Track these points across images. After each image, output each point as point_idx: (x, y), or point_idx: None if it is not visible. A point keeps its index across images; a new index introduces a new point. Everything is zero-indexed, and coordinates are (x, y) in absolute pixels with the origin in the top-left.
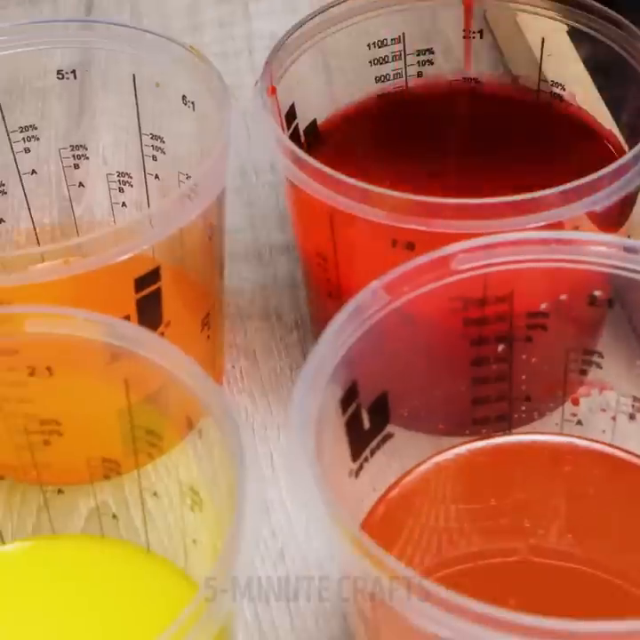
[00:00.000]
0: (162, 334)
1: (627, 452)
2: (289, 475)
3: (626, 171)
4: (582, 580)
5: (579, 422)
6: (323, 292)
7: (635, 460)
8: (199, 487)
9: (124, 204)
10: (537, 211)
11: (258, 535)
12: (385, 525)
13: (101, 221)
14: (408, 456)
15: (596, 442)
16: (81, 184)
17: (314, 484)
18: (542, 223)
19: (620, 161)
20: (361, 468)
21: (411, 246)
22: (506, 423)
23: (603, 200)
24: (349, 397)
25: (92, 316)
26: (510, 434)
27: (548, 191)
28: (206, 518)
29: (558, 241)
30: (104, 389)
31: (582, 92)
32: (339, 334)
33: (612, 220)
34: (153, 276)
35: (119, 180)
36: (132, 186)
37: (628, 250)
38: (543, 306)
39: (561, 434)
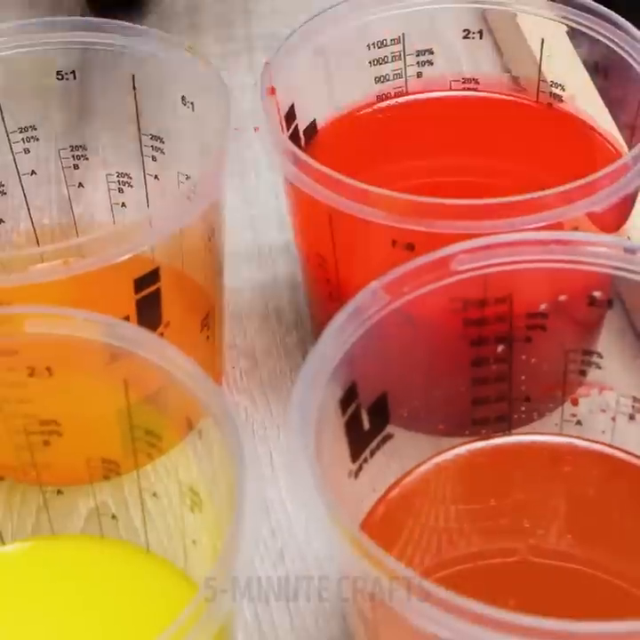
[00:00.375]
0: (161, 335)
1: (626, 452)
2: (289, 475)
3: (625, 171)
4: (582, 581)
5: (578, 422)
6: (323, 292)
7: (634, 460)
8: (199, 487)
9: (123, 205)
10: (537, 211)
11: (258, 535)
12: (385, 526)
13: (101, 222)
14: (408, 456)
15: (596, 442)
16: (80, 184)
17: (313, 485)
18: (542, 224)
19: (620, 161)
20: (360, 468)
21: (410, 247)
22: (505, 424)
23: (603, 200)
24: (349, 398)
25: (91, 317)
26: (510, 434)
27: (547, 192)
28: (206, 519)
29: (558, 242)
30: (104, 390)
31: (582, 91)
32: (338, 334)
33: (612, 220)
34: (152, 276)
35: (119, 181)
36: (131, 186)
37: (627, 250)
38: (543, 306)
39: (560, 434)
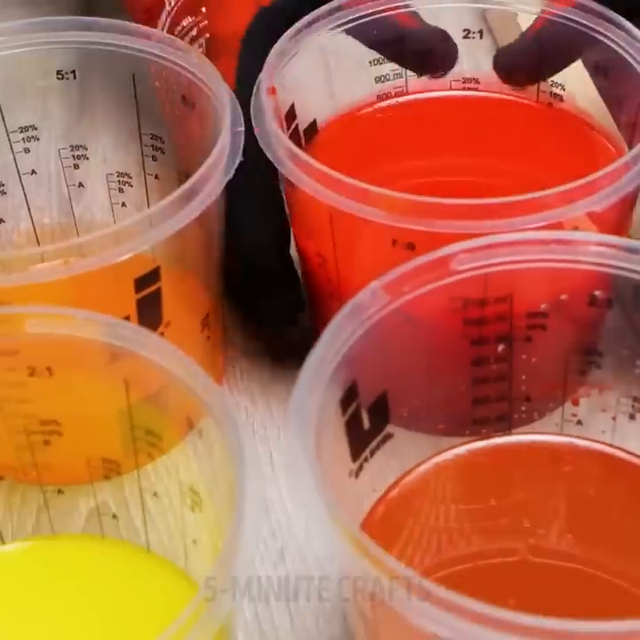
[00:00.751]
0: (162, 334)
1: (627, 452)
2: (289, 475)
3: (626, 171)
4: (582, 580)
5: (579, 422)
6: (323, 291)
7: (635, 460)
8: (199, 487)
9: (123, 204)
10: (537, 211)
11: (258, 534)
12: (385, 525)
13: (101, 221)
14: (408, 456)
15: (596, 442)
16: (81, 184)
17: (314, 485)
18: (542, 223)
19: (620, 161)
20: (361, 468)
21: (411, 246)
22: (506, 423)
23: (603, 200)
24: (349, 397)
25: (92, 316)
26: (510, 434)
27: (547, 192)
28: (206, 518)
29: (558, 241)
30: (104, 389)
31: (582, 91)
32: (338, 334)
33: (612, 220)
34: (153, 276)
35: (119, 181)
36: (131, 186)
37: (627, 250)
38: (543, 306)
39: (561, 434)
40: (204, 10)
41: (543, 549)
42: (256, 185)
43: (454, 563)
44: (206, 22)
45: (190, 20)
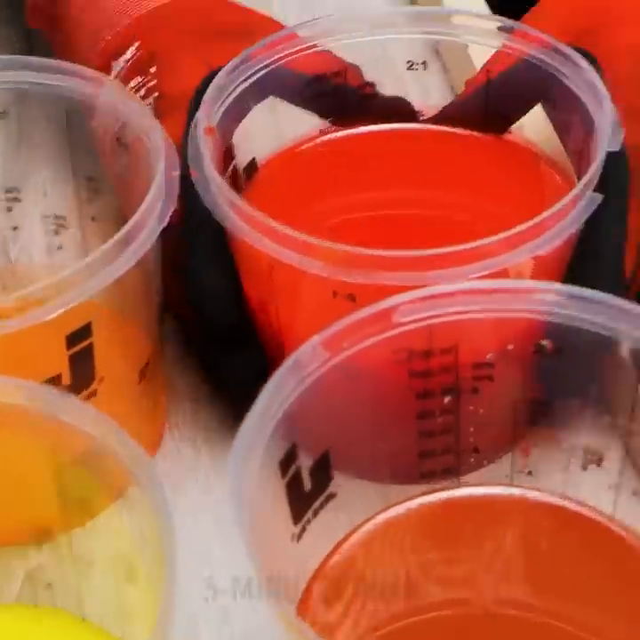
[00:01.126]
0: (95, 391)
1: (578, 503)
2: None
3: (569, 211)
4: (537, 631)
5: (529, 473)
6: (265, 335)
7: (586, 511)
8: (132, 556)
9: (60, 247)
10: (479, 259)
11: (193, 605)
12: (333, 583)
13: (38, 264)
14: (355, 511)
15: (548, 493)
16: (15, 228)
17: (251, 559)
18: (485, 272)
19: (563, 202)
20: (304, 530)
21: (351, 298)
22: (453, 475)
23: (547, 243)
24: (289, 459)
25: (14, 382)
26: (459, 485)
27: (489, 239)
28: (141, 587)
29: (502, 290)
30: (29, 455)
31: (533, 121)
32: (280, 389)
33: (558, 262)
34: (85, 331)
35: (55, 223)
36: (67, 228)
37: (571, 297)
38: (489, 356)
39: (511, 485)
40: (153, 70)
41: (496, 600)
42: (208, 229)
43: (408, 615)
44: (155, 82)
45: (139, 79)
